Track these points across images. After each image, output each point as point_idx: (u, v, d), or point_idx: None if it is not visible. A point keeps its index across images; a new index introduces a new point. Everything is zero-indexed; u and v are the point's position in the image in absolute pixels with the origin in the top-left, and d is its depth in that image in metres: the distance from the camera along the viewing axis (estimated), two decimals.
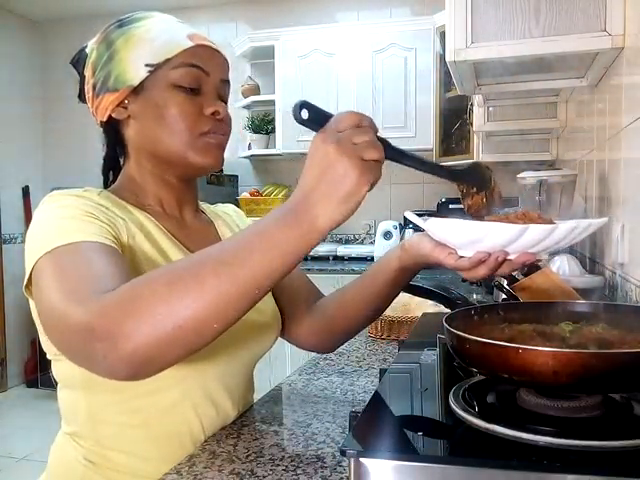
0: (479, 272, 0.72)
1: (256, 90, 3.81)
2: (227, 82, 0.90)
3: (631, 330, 0.68)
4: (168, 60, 0.83)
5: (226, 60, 0.90)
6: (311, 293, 1.04)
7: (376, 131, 0.60)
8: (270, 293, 0.99)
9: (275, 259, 0.58)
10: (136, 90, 0.84)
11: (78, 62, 0.91)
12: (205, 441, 0.81)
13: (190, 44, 0.84)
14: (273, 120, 3.73)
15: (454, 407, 0.61)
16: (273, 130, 3.76)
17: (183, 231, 0.90)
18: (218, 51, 0.88)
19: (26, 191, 4.35)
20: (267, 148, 3.83)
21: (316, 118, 0.60)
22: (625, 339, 0.65)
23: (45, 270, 0.69)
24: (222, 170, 3.89)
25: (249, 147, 3.91)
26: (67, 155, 4.37)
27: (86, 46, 0.90)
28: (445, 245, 0.75)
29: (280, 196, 3.75)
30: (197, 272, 0.58)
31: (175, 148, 0.84)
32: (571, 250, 1.79)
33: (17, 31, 4.35)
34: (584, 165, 1.86)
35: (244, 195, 3.84)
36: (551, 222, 0.69)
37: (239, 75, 3.91)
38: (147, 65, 0.83)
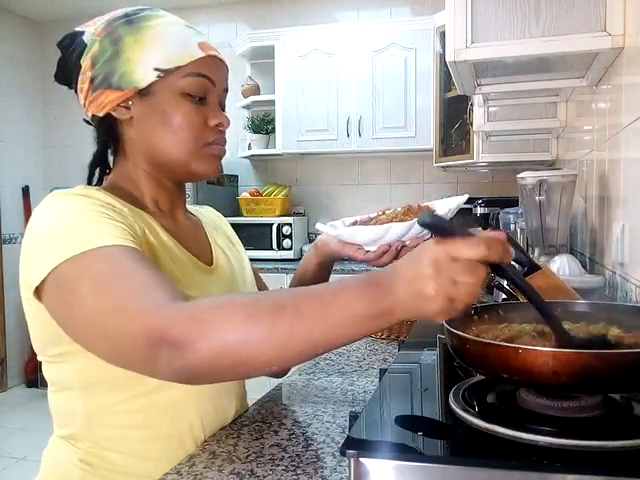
0: (384, 260, 0.93)
1: (256, 90, 3.80)
2: (227, 91, 0.93)
3: (631, 330, 0.68)
4: (179, 67, 0.83)
5: (227, 68, 0.92)
6: None
7: (502, 259, 0.56)
8: (255, 284, 1.04)
9: (348, 331, 0.60)
10: (142, 92, 0.83)
11: (68, 47, 0.88)
12: (205, 441, 0.81)
13: (201, 54, 0.84)
14: (273, 120, 3.73)
15: (454, 407, 0.61)
16: (273, 130, 3.76)
17: (178, 230, 0.91)
18: (223, 61, 0.90)
19: (26, 191, 4.35)
20: (267, 148, 3.83)
21: (441, 229, 0.57)
22: (625, 339, 0.65)
23: (76, 276, 0.68)
24: (222, 170, 3.89)
25: (249, 147, 3.91)
26: (67, 155, 4.37)
27: (81, 32, 0.87)
28: (350, 243, 0.97)
29: (280, 196, 3.75)
30: (274, 316, 0.60)
31: (178, 156, 0.85)
32: (571, 250, 1.79)
33: (17, 31, 4.35)
34: (584, 165, 1.86)
35: (244, 195, 3.84)
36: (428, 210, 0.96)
37: (239, 75, 3.91)
38: (156, 69, 0.82)
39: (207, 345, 0.59)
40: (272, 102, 3.67)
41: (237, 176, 4.05)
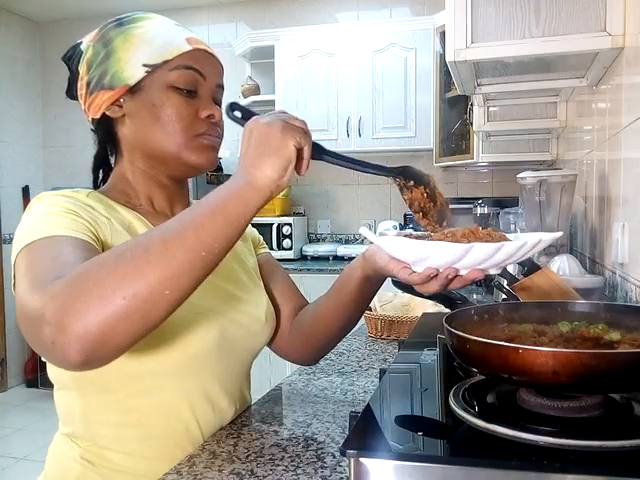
0: (430, 287, 0.74)
1: (256, 90, 3.80)
2: (222, 87, 0.91)
3: (631, 330, 0.68)
4: (166, 62, 0.84)
5: (221, 65, 0.91)
6: (296, 303, 1.03)
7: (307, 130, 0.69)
8: (264, 289, 1.00)
9: (218, 221, 0.62)
10: (132, 89, 0.85)
11: (71, 58, 0.91)
12: (205, 441, 0.81)
13: (189, 47, 0.85)
14: None
15: (454, 407, 0.61)
16: None
17: None
18: (214, 56, 0.90)
19: (26, 191, 4.36)
20: None
21: (247, 117, 0.72)
22: (625, 339, 0.65)
23: (20, 264, 0.70)
24: (222, 170, 3.89)
25: None
26: (67, 155, 4.37)
27: (80, 43, 0.90)
28: (398, 259, 0.76)
29: (280, 196, 3.75)
30: (145, 244, 0.61)
31: (169, 148, 0.85)
32: (571, 250, 1.79)
33: (17, 31, 4.35)
34: (584, 165, 1.86)
35: None
36: (501, 239, 0.71)
37: (239, 75, 3.91)
38: (145, 65, 0.83)
39: (85, 303, 0.56)
40: (272, 102, 3.67)
41: None
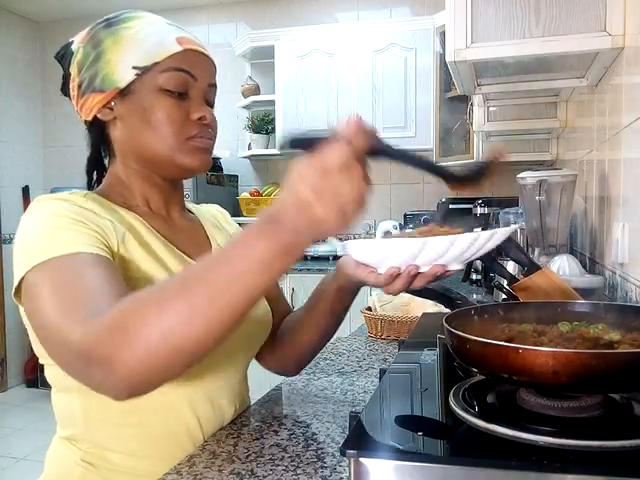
0: (395, 287, 0.75)
1: (256, 90, 3.80)
2: (214, 86, 0.90)
3: (631, 330, 0.68)
4: (156, 64, 0.83)
5: (214, 64, 0.90)
6: (283, 310, 1.04)
7: (365, 148, 0.59)
8: None
9: (260, 275, 0.59)
10: (123, 92, 0.84)
11: (63, 57, 0.90)
12: (205, 441, 0.81)
13: (179, 48, 0.84)
14: (273, 120, 3.73)
15: (454, 407, 0.61)
16: (273, 130, 3.76)
17: (171, 230, 0.90)
18: (207, 55, 0.88)
19: (26, 191, 4.36)
20: (267, 148, 3.83)
21: (303, 145, 0.60)
22: (625, 339, 0.65)
23: (39, 283, 0.70)
24: (222, 170, 3.89)
25: (249, 147, 3.91)
26: (67, 155, 4.37)
27: (72, 42, 0.89)
28: (366, 265, 0.77)
29: None
30: (185, 295, 0.59)
31: (161, 152, 0.84)
32: (571, 250, 1.79)
33: (17, 31, 4.35)
34: (584, 165, 1.86)
35: (244, 195, 3.84)
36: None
37: (239, 75, 3.91)
38: (135, 68, 0.82)
39: (133, 352, 0.59)
40: (272, 102, 3.67)
41: (237, 176, 4.05)
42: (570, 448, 0.51)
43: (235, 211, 3.78)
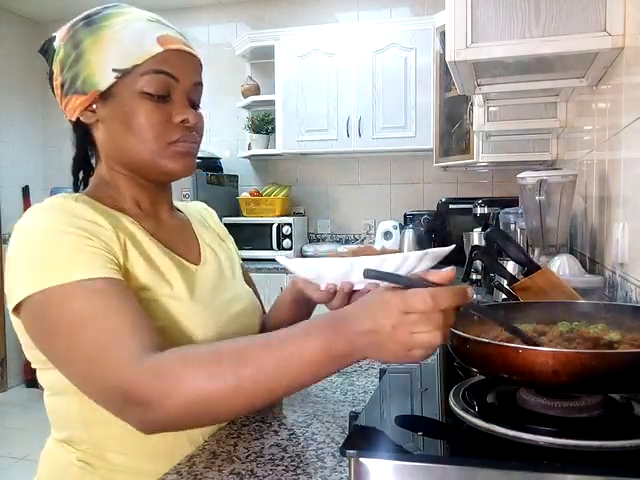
0: (334, 303, 0.81)
1: (256, 90, 3.80)
2: (200, 84, 0.88)
3: (631, 330, 0.68)
4: (136, 66, 0.80)
5: (199, 61, 0.88)
6: (261, 314, 1.04)
7: (458, 306, 0.60)
8: (244, 280, 1.02)
9: (307, 376, 0.64)
10: (104, 95, 0.82)
11: (47, 53, 0.88)
12: (205, 441, 0.81)
13: (159, 49, 0.81)
14: (273, 120, 3.73)
15: (454, 407, 0.61)
16: (273, 130, 3.76)
17: (163, 231, 0.90)
18: (191, 53, 0.85)
19: (26, 191, 4.35)
20: (267, 148, 3.82)
21: (382, 278, 0.63)
22: (625, 339, 0.65)
23: (56, 308, 0.70)
24: (222, 170, 3.89)
25: (249, 147, 3.91)
26: (67, 155, 4.34)
27: (54, 37, 0.87)
28: (311, 281, 0.83)
29: (280, 196, 3.75)
30: (237, 372, 0.64)
31: (143, 156, 0.83)
32: (571, 250, 1.79)
33: (17, 31, 4.35)
34: (584, 165, 1.86)
35: (244, 195, 3.84)
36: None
37: (239, 75, 3.91)
38: (115, 70, 0.80)
39: (174, 403, 0.64)
40: (272, 102, 3.67)
41: (237, 176, 4.05)
42: (570, 448, 0.51)
43: (235, 211, 3.78)
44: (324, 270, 0.78)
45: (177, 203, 1.03)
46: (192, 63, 0.86)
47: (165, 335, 0.78)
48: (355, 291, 0.80)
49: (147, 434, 0.70)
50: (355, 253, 0.82)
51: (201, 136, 0.89)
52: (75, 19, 0.85)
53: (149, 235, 0.86)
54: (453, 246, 0.81)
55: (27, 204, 4.30)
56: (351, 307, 0.65)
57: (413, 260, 0.73)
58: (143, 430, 0.69)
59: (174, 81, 0.83)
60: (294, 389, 0.67)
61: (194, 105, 0.87)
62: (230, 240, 1.08)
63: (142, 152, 0.83)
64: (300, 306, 0.96)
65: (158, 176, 0.87)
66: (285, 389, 0.66)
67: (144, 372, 0.65)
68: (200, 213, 1.07)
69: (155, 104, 0.82)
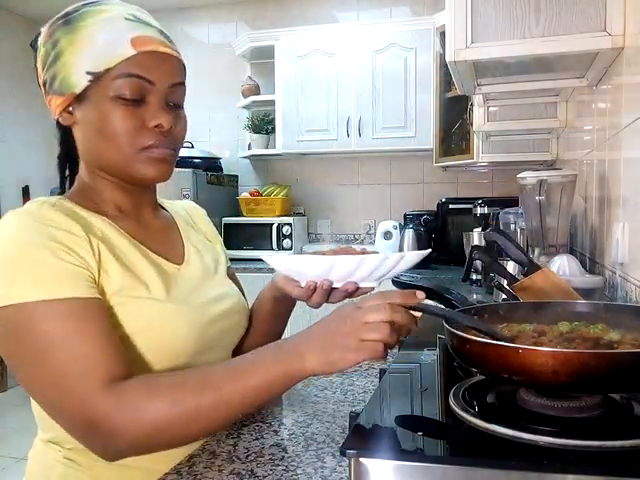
0: (314, 300, 0.85)
1: (256, 90, 3.80)
2: (180, 84, 0.84)
3: (631, 330, 0.68)
4: (109, 70, 0.79)
5: (179, 60, 0.85)
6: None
7: (409, 305, 0.68)
8: (228, 278, 1.02)
9: (264, 394, 0.70)
10: (79, 98, 0.81)
11: (34, 49, 0.87)
12: (205, 441, 0.81)
13: (132, 52, 0.78)
14: (273, 120, 3.73)
15: (454, 407, 0.61)
16: (273, 130, 3.76)
17: (144, 231, 0.89)
18: (168, 53, 0.82)
19: (26, 191, 4.36)
20: (267, 148, 3.82)
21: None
22: (625, 339, 0.65)
23: (21, 331, 0.69)
24: (222, 170, 3.89)
25: (249, 147, 3.91)
26: None
27: (40, 33, 0.86)
28: (292, 279, 0.87)
29: (280, 196, 3.75)
30: (198, 399, 0.68)
31: (116, 162, 0.82)
32: (571, 250, 1.79)
33: (17, 30, 4.35)
34: (584, 165, 1.86)
35: (244, 195, 3.84)
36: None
37: (239, 75, 3.91)
38: (88, 73, 0.79)
39: (137, 433, 0.67)
40: (272, 102, 3.67)
41: (237, 176, 4.05)
42: (570, 448, 0.51)
43: (235, 211, 3.78)
44: (305, 267, 0.81)
45: (164, 201, 1.02)
46: (169, 64, 0.83)
47: (144, 338, 0.78)
48: (334, 288, 0.83)
49: (109, 461, 0.72)
50: (336, 253, 0.86)
51: (181, 139, 0.86)
52: (56, 16, 0.84)
53: (128, 237, 0.84)
54: (429, 250, 0.86)
55: None
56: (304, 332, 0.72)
57: (391, 261, 0.77)
58: (105, 457, 0.71)
59: (148, 84, 0.80)
60: (251, 406, 0.72)
61: (177, 106, 0.85)
62: (218, 241, 1.07)
63: (115, 157, 0.82)
64: (279, 303, 0.99)
65: (133, 181, 0.86)
66: (243, 412, 0.72)
67: (108, 403, 0.67)
68: (188, 212, 1.06)
69: (129, 108, 0.80)
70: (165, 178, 0.86)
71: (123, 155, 0.81)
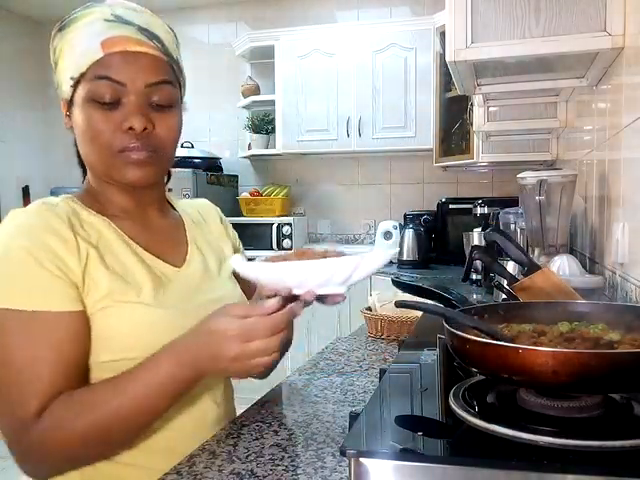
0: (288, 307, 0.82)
1: (256, 90, 3.80)
2: (160, 83, 0.82)
3: (631, 330, 0.68)
4: (83, 74, 0.79)
5: (157, 58, 0.82)
6: None
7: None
8: (235, 280, 0.99)
9: (162, 405, 0.76)
10: (70, 103, 0.84)
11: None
12: (205, 441, 0.81)
13: (100, 55, 0.78)
14: (273, 120, 3.73)
15: (454, 407, 0.61)
16: (273, 130, 3.76)
17: (146, 232, 0.89)
18: (142, 52, 0.80)
19: (26, 191, 4.35)
20: (267, 148, 3.83)
21: None
22: (625, 339, 0.65)
23: None
24: (222, 170, 3.89)
25: (249, 147, 3.91)
26: (67, 155, 4.34)
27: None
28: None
29: (280, 196, 3.75)
30: (108, 429, 0.73)
31: (99, 164, 0.83)
32: (571, 250, 1.79)
33: (18, 31, 4.35)
34: (584, 165, 1.86)
35: (244, 195, 3.84)
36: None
37: (239, 75, 3.91)
38: (71, 79, 0.81)
39: (50, 466, 0.76)
40: (272, 102, 3.67)
41: (237, 176, 4.05)
42: (570, 448, 0.51)
43: (235, 211, 3.78)
44: (257, 275, 0.76)
45: (176, 200, 1.02)
46: (143, 63, 0.80)
47: (131, 343, 0.78)
48: (296, 297, 0.74)
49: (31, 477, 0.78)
50: (297, 256, 0.76)
51: (165, 139, 0.84)
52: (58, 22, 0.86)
53: (125, 239, 0.85)
54: (393, 253, 0.83)
55: (27, 204, 4.29)
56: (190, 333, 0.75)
57: (348, 266, 0.70)
58: (29, 474, 0.78)
59: (119, 86, 0.79)
60: (151, 419, 0.76)
61: (162, 106, 0.83)
62: (230, 241, 1.06)
63: (96, 161, 0.83)
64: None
65: (119, 183, 0.86)
66: (155, 412, 0.76)
67: (26, 444, 0.73)
68: (201, 211, 1.05)
69: (102, 112, 0.79)
70: (143, 182, 0.84)
71: (103, 158, 0.82)
